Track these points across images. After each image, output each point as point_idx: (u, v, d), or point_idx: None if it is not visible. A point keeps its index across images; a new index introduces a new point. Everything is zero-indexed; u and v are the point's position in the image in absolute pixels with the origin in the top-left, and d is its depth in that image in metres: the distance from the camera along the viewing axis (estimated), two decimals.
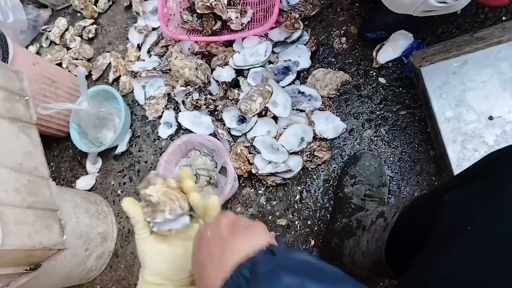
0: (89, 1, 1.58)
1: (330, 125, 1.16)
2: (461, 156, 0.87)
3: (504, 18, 1.08)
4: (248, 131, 1.18)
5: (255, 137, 1.15)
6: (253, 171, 1.15)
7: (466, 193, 0.50)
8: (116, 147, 1.41)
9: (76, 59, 1.54)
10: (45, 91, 1.35)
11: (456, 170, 0.88)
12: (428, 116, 1.01)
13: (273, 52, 1.23)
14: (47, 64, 1.40)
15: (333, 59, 1.22)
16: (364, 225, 0.88)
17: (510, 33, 0.95)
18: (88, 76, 1.54)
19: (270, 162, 1.15)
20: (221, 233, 0.47)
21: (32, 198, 0.87)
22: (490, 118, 0.87)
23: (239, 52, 1.23)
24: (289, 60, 1.18)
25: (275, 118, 1.19)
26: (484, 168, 0.54)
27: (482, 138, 0.87)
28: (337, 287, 0.37)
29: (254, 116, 1.14)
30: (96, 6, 1.59)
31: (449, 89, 0.91)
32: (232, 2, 1.24)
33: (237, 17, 1.19)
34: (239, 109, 1.13)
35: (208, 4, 1.16)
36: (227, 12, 1.18)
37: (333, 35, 1.23)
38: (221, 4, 1.16)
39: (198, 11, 1.18)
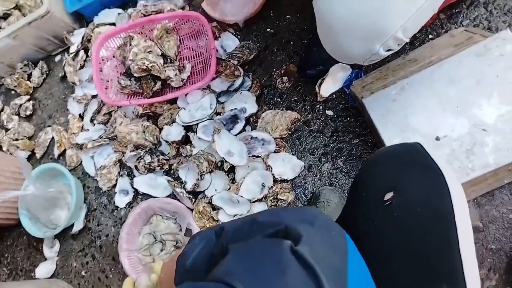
0: (22, 78, 1.51)
1: (287, 165, 1.15)
2: None
3: (430, 36, 1.13)
4: (206, 188, 1.15)
5: (212, 196, 1.12)
6: None
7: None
8: (72, 225, 1.33)
9: (16, 139, 1.46)
10: None
11: None
12: (379, 143, 1.02)
13: (218, 102, 1.22)
14: None
15: (279, 99, 1.23)
16: None
17: (438, 51, 0.99)
18: (32, 155, 1.46)
19: (235, 215, 1.11)
20: None
21: None
22: (437, 138, 0.88)
23: (184, 108, 1.21)
24: (235, 108, 1.17)
25: (232, 167, 1.17)
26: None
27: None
28: None
29: (207, 174, 1.12)
30: (29, 81, 1.53)
31: (392, 117, 0.93)
32: (168, 59, 1.22)
33: (176, 74, 1.17)
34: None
35: (144, 67, 1.13)
36: (165, 71, 1.16)
37: (275, 76, 1.24)
38: (157, 65, 1.14)
39: (135, 74, 1.16)
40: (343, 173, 1.12)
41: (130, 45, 1.17)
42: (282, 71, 1.23)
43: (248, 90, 1.21)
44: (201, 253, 0.52)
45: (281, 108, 1.21)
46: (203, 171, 1.13)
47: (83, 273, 1.30)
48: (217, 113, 1.20)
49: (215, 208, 1.14)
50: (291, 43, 1.25)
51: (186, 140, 1.23)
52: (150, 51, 1.17)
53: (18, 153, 1.16)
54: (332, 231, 0.49)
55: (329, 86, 1.15)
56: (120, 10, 1.44)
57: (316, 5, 0.76)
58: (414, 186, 0.55)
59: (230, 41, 1.29)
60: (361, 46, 0.74)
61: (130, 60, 1.15)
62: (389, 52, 0.76)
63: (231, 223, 0.53)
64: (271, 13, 1.30)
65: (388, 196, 0.56)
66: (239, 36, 1.31)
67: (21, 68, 1.51)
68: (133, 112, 1.28)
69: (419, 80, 0.93)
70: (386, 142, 0.92)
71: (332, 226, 0.50)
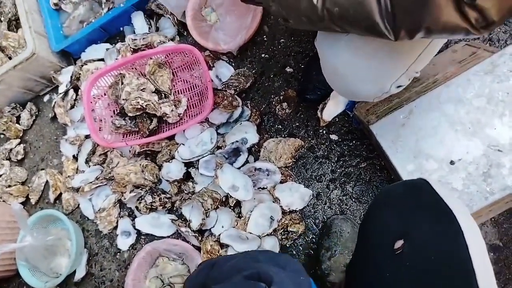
0: (10, 121, 1.45)
1: (295, 195, 1.11)
2: None
3: None
4: (213, 226, 1.10)
5: (220, 234, 1.07)
6: None
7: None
8: (74, 272, 1.27)
9: (9, 186, 1.40)
10: None
11: None
12: (390, 169, 0.99)
13: (218, 133, 1.18)
14: None
15: (280, 126, 1.19)
16: None
17: (443, 69, 0.96)
18: (26, 200, 1.40)
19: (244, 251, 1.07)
20: None
21: None
22: (452, 162, 0.85)
23: (183, 144, 1.16)
24: (237, 141, 1.12)
25: (238, 202, 1.12)
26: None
27: (450, 184, 0.84)
28: None
29: (212, 211, 1.07)
30: (19, 124, 1.47)
31: (403, 142, 0.89)
32: (163, 94, 1.18)
33: (172, 110, 1.13)
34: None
35: (139, 107, 1.09)
36: (161, 108, 1.12)
37: (274, 102, 1.20)
38: (152, 103, 1.10)
39: (130, 114, 1.11)
40: (353, 199, 1.08)
41: (122, 83, 1.13)
42: (281, 97, 1.20)
43: (248, 120, 1.17)
44: (197, 280, 0.60)
45: (283, 135, 1.17)
46: (208, 209, 1.09)
47: None
48: (218, 147, 1.15)
49: (223, 245, 1.10)
50: (288, 67, 1.22)
51: (187, 176, 1.18)
52: (143, 88, 1.12)
53: (13, 205, 1.11)
54: (301, 277, 0.56)
55: (331, 110, 1.12)
56: (108, 45, 1.39)
57: (318, 47, 0.73)
58: (424, 232, 0.53)
59: (224, 69, 1.25)
60: (371, 87, 0.70)
61: (123, 99, 1.11)
62: (400, 88, 0.73)
63: (225, 257, 0.63)
64: (265, 38, 1.26)
65: (399, 244, 0.54)
66: (233, 64, 1.27)
67: (8, 112, 1.46)
68: (129, 151, 1.23)
69: (427, 102, 0.90)
70: (398, 170, 0.88)
71: (300, 272, 0.57)
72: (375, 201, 0.63)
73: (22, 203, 1.40)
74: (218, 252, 1.09)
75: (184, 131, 1.17)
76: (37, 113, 1.48)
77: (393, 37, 0.51)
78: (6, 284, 1.38)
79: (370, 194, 1.06)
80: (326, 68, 0.77)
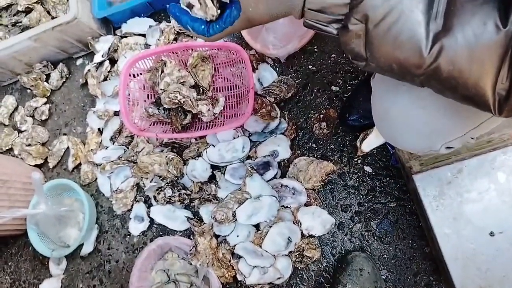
0: (39, 79, 1.42)
1: (317, 220, 1.08)
2: (464, 275, 0.82)
3: None
4: (228, 234, 1.08)
5: (235, 245, 1.05)
6: (239, 278, 1.06)
7: None
8: (81, 245, 1.27)
9: (29, 145, 1.38)
10: None
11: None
12: (424, 221, 0.95)
13: (250, 140, 1.14)
14: None
15: (314, 145, 1.15)
16: None
17: (499, 129, 0.91)
18: (44, 163, 1.39)
19: (256, 266, 1.06)
20: None
21: None
22: (491, 234, 0.82)
23: (213, 146, 1.13)
24: (268, 155, 1.09)
25: None
26: None
27: (484, 255, 0.81)
28: None
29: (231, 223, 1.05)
30: (47, 82, 1.44)
31: (445, 201, 0.85)
32: (201, 89, 1.13)
33: (208, 110, 1.09)
34: (213, 217, 1.03)
35: (176, 101, 1.05)
36: (198, 106, 1.08)
37: (312, 119, 1.16)
38: (190, 99, 1.05)
39: (165, 106, 1.07)
40: (375, 237, 1.05)
41: (162, 72, 1.08)
42: (321, 115, 1.15)
43: (283, 133, 1.13)
44: None
45: (315, 156, 1.13)
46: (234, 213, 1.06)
47: None
48: (248, 157, 1.12)
49: (234, 255, 1.08)
50: (334, 85, 1.16)
51: (210, 177, 1.16)
52: (183, 82, 1.08)
53: (33, 174, 1.09)
54: None
55: (372, 141, 1.07)
56: (151, 21, 1.33)
57: (375, 86, 0.68)
58: None
59: (267, 73, 1.20)
60: (420, 142, 0.67)
61: (161, 89, 1.07)
62: (449, 150, 0.69)
63: None
64: (315, 49, 1.20)
65: None
66: (277, 69, 1.22)
67: (39, 69, 1.42)
68: (157, 140, 1.20)
69: (478, 164, 0.86)
70: (435, 229, 0.85)
71: None
72: None
73: (39, 165, 1.39)
74: (230, 261, 1.08)
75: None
76: (67, 76, 1.44)
77: (497, 111, 0.44)
78: (13, 239, 1.39)
79: (395, 236, 1.04)
80: (376, 109, 0.73)
